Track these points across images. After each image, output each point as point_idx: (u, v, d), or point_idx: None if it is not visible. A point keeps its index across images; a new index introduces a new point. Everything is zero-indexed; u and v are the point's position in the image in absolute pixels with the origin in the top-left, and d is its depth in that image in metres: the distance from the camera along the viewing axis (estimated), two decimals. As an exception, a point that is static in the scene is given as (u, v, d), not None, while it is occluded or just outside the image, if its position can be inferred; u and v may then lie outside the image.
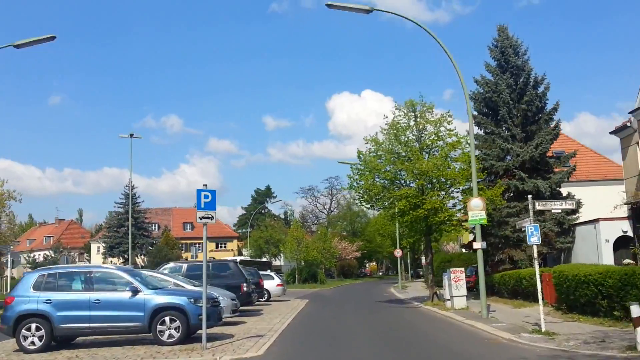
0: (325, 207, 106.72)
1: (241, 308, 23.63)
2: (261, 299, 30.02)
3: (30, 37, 20.08)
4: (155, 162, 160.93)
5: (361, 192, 28.66)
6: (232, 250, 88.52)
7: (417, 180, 26.83)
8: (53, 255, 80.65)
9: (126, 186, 77.26)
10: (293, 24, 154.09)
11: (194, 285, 17.93)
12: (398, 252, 50.82)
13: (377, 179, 28.04)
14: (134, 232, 76.72)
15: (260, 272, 31.74)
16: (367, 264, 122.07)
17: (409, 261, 72.12)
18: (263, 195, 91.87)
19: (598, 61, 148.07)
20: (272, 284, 31.90)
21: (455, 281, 24.28)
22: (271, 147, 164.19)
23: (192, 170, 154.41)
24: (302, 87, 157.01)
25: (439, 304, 27.04)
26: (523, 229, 17.34)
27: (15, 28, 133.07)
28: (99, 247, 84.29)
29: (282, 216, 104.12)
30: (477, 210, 20.36)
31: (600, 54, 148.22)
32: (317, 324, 20.14)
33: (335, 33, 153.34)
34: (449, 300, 24.88)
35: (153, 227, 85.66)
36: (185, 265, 21.12)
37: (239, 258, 38.40)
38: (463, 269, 25.16)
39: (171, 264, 23.22)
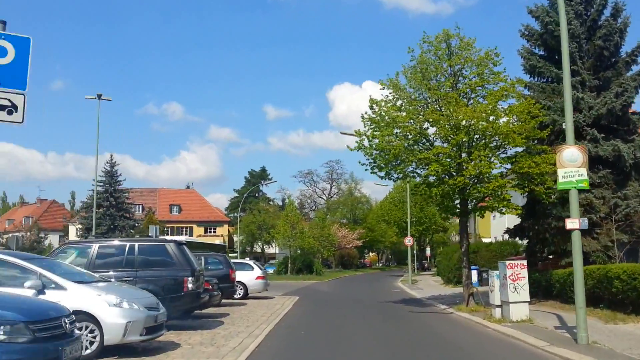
0: (325, 192, 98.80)
1: (196, 312, 15.71)
2: (234, 297, 22.06)
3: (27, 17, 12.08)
4: (155, 148, 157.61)
5: (374, 154, 20.56)
6: (222, 235, 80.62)
7: (453, 138, 18.69)
8: (23, 235, 72.69)
9: (106, 162, 69.27)
10: (295, 13, 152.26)
11: (96, 280, 10.05)
12: (409, 240, 42.93)
13: (396, 136, 19.94)
14: (113, 214, 69.10)
15: (235, 261, 23.87)
16: (367, 254, 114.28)
17: (415, 252, 64.08)
18: (257, 177, 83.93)
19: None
20: (249, 277, 23.90)
21: (514, 280, 16.26)
22: (271, 136, 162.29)
23: (193, 157, 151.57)
24: (303, 77, 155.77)
25: (477, 309, 19.20)
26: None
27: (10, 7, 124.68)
28: (77, 229, 76.32)
29: (280, 203, 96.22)
30: (572, 166, 12.24)
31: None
32: (304, 349, 12.11)
33: (337, 23, 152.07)
34: (497, 306, 16.95)
35: (137, 208, 77.61)
36: (95, 247, 12.91)
37: (184, 238, 30.21)
38: (525, 262, 17.05)
39: (73, 245, 15.12)
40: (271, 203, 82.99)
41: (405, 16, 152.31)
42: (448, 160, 18.92)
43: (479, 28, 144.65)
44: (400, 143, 19.49)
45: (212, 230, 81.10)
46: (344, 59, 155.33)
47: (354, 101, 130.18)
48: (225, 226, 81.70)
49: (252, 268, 24.31)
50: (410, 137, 19.76)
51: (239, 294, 23.42)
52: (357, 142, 21.07)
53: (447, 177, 19.29)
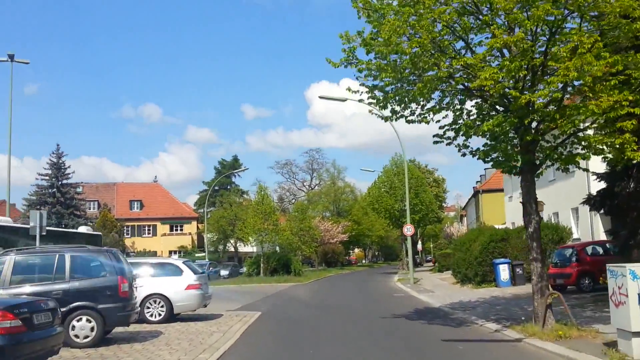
0: (305, 184, 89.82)
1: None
2: (151, 320, 13.00)
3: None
4: (133, 151, 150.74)
5: (374, 65, 11.67)
6: (190, 233, 71.20)
7: (528, 20, 9.85)
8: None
9: (52, 153, 59.64)
10: (270, 12, 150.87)
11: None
12: (408, 229, 34.19)
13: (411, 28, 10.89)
14: (60, 211, 59.34)
15: (150, 260, 14.91)
16: (352, 251, 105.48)
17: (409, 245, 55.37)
18: (229, 168, 74.76)
19: None
20: (175, 287, 14.70)
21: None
22: (250, 135, 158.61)
23: (172, 158, 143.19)
24: (280, 76, 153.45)
25: (568, 333, 10.62)
26: None
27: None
28: (22, 231, 66.42)
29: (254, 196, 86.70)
30: None
31: None
32: None
33: (313, 21, 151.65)
34: (635, 335, 8.23)
35: (91, 205, 68.05)
36: None
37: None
38: None
39: None
40: (245, 196, 73.84)
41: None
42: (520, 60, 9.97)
43: None
44: (422, 39, 10.45)
45: (178, 227, 71.74)
46: (320, 58, 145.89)
47: (331, 168, 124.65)
48: (194, 223, 72.26)
49: (181, 272, 15.09)
50: (439, 25, 10.80)
51: (158, 315, 14.34)
52: (345, 50, 12.16)
53: (508, 100, 10.51)
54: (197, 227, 72.62)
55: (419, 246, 79.23)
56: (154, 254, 67.83)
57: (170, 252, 68.90)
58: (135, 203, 71.37)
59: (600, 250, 20.27)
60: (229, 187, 75.31)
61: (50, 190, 59.14)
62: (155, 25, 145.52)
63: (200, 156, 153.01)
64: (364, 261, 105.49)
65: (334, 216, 74.37)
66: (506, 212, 37.75)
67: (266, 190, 41.66)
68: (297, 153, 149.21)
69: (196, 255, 63.60)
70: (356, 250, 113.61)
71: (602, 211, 18.20)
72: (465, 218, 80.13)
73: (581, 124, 10.95)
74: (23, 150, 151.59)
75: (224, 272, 55.81)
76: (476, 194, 53.14)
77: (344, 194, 78.40)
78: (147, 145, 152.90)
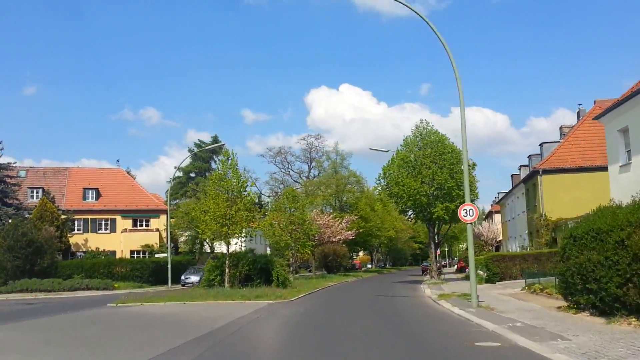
0: (302, 175, 75.66)
1: None
2: None
3: None
4: (133, 154, 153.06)
5: None
6: (158, 229, 56.82)
7: None
8: None
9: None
10: (269, 18, 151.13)
11: None
12: (468, 213, 19.93)
13: None
14: (-15, 198, 45.57)
15: None
16: (355, 254, 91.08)
17: (434, 248, 41.00)
18: (208, 152, 60.75)
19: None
20: None
21: None
22: (250, 140, 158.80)
23: (172, 162, 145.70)
24: (280, 81, 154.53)
25: None
26: None
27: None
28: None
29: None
30: None
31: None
32: None
33: (312, 27, 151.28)
34: None
35: (34, 193, 54.04)
36: None
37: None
38: None
39: None
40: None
41: (378, 19, 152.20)
42: None
43: (451, 31, 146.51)
44: None
45: (143, 222, 57.44)
46: (319, 63, 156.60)
47: (331, 104, 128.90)
48: (163, 217, 57.86)
49: None
50: None
51: None
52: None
53: None
54: (169, 222, 58.29)
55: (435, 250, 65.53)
56: (111, 254, 53.90)
57: (132, 253, 54.79)
58: (90, 192, 57.04)
59: None
60: (207, 173, 61.00)
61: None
62: (155, 32, 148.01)
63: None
64: (369, 266, 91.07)
65: (336, 211, 60.11)
66: (614, 188, 23.45)
67: (234, 157, 27.43)
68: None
69: (155, 255, 49.52)
70: (361, 253, 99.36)
71: None
72: (495, 216, 65.81)
73: None
74: (22, 153, 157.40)
75: (193, 279, 41.93)
76: (532, 175, 38.81)
77: (349, 184, 64.09)
78: (147, 148, 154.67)
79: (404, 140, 37.91)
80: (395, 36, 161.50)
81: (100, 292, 38.18)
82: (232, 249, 31.31)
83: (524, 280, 29.50)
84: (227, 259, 27.31)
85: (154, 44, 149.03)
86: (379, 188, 37.86)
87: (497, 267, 30.78)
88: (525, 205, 41.94)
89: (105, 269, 44.96)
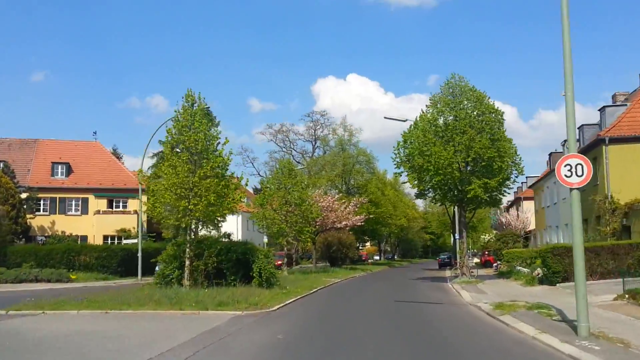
0: (306, 156, 67.33)
1: None
2: None
3: None
4: (140, 141, 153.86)
5: None
6: (136, 211, 48.75)
7: None
8: None
9: None
10: (276, 6, 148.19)
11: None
12: (577, 171, 11.73)
13: None
14: None
15: None
16: (362, 244, 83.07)
17: (463, 237, 32.79)
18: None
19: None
20: None
21: None
22: (256, 129, 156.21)
23: None
24: (287, 70, 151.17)
25: None
26: None
27: None
28: None
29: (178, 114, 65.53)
30: None
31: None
32: None
33: (319, 16, 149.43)
34: None
35: (-8, 166, 46.12)
36: None
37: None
38: None
39: None
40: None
41: (387, 8, 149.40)
42: None
43: (461, 21, 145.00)
44: None
45: (120, 203, 49.46)
46: (327, 53, 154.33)
47: (338, 94, 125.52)
48: (144, 198, 49.88)
49: None
50: None
51: None
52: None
53: None
54: (151, 204, 50.24)
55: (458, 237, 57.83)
56: (82, 239, 46.05)
57: (105, 238, 46.88)
58: (60, 167, 49.02)
59: None
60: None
61: None
62: (163, 20, 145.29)
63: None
64: (376, 257, 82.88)
65: (343, 194, 51.88)
66: None
67: (202, 102, 19.17)
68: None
69: (124, 241, 41.64)
70: (367, 244, 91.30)
71: None
72: (524, 203, 57.30)
73: None
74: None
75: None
76: (593, 146, 30.35)
77: (357, 163, 55.72)
78: (155, 136, 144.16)
79: (430, 99, 29.54)
80: (404, 26, 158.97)
81: (46, 285, 30.57)
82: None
83: (600, 282, 21.41)
84: (188, 246, 19.13)
85: (161, 32, 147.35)
86: (397, 159, 29.54)
87: (560, 263, 22.48)
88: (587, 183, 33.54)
89: (64, 257, 37.05)
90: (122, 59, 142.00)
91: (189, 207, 18.17)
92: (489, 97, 28.70)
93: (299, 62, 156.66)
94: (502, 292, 21.45)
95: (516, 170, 29.26)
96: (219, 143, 19.80)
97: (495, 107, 28.40)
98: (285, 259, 33.23)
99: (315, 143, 68.76)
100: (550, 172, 41.96)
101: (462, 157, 27.17)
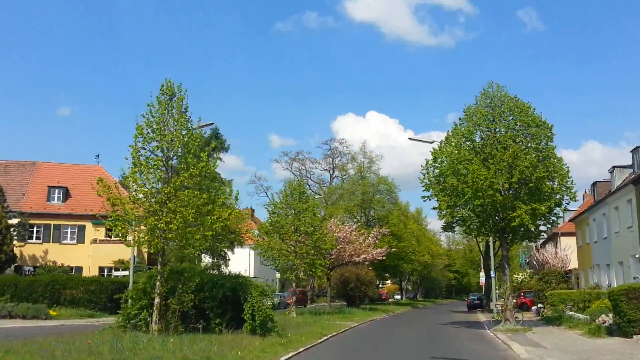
0: (323, 185, 62.81)
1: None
2: None
3: None
4: None
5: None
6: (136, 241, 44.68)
7: None
8: None
9: None
10: (298, 45, 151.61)
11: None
12: None
13: None
14: None
15: None
16: (382, 282, 77.60)
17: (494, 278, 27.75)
18: (205, 143, 49.06)
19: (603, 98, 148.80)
20: None
21: None
22: (276, 164, 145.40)
23: None
24: (308, 107, 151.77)
25: None
26: None
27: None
28: None
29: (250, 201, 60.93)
30: None
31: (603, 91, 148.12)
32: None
33: (340, 55, 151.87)
34: None
35: (-17, 191, 42.46)
36: None
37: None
38: None
39: None
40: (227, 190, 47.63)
41: (405, 48, 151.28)
42: None
43: (480, 61, 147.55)
44: None
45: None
46: (347, 90, 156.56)
47: (357, 131, 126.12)
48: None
49: None
50: None
51: None
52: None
53: None
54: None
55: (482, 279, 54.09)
56: (76, 271, 41.88)
57: (102, 270, 42.64)
58: (56, 191, 45.27)
59: None
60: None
61: None
62: (185, 55, 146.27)
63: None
64: (397, 297, 77.23)
65: (362, 226, 47.14)
66: None
67: (182, 94, 14.98)
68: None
69: (114, 274, 37.38)
70: (389, 282, 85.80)
71: None
72: (562, 239, 51.80)
73: None
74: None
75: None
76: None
77: (377, 192, 51.05)
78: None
79: (464, 110, 25.07)
80: (422, 65, 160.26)
81: (17, 323, 26.32)
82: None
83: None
84: (158, 278, 14.65)
85: (182, 64, 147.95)
86: (426, 180, 24.98)
87: (637, 309, 17.54)
88: (639, 216, 28.46)
89: (48, 290, 32.80)
90: (144, 91, 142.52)
91: (159, 225, 13.78)
92: (534, 108, 24.19)
93: (319, 99, 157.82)
94: (565, 347, 16.54)
95: (568, 195, 24.41)
96: (206, 149, 15.52)
97: (543, 120, 23.83)
98: (294, 297, 28.50)
99: (333, 172, 64.36)
100: (598, 203, 36.92)
101: (505, 178, 22.51)
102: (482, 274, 62.80)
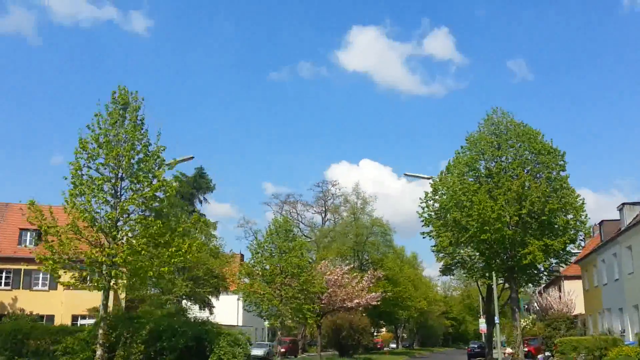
0: (315, 228, 60.10)
1: None
2: None
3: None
4: None
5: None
6: (112, 286, 41.34)
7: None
8: None
9: None
10: (292, 94, 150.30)
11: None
12: None
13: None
14: None
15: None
16: (377, 330, 73.59)
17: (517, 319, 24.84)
18: (189, 183, 46.19)
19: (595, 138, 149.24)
20: None
21: None
22: (270, 212, 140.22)
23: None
24: (301, 156, 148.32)
25: None
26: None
27: None
28: None
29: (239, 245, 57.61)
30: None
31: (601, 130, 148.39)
32: None
33: (333, 104, 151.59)
34: None
35: (-50, 233, 39.51)
36: None
37: None
38: None
39: None
40: (212, 232, 44.80)
41: (397, 97, 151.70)
42: None
43: (471, 109, 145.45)
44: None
45: (96, 276, 42.33)
46: (341, 138, 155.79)
47: (351, 179, 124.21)
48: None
49: None
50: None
51: None
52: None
53: None
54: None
55: (483, 326, 49.92)
56: (47, 320, 38.42)
57: (75, 318, 39.15)
58: (28, 234, 42.13)
59: None
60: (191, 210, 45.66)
61: None
62: (179, 102, 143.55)
63: (219, 230, 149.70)
64: (392, 345, 73.28)
65: (355, 269, 44.13)
66: None
67: (138, 101, 12.50)
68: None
69: (80, 322, 34.06)
70: (383, 330, 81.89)
71: None
72: (566, 283, 48.92)
73: None
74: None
75: None
76: None
77: (371, 234, 48.26)
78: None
79: (467, 138, 22.75)
80: (415, 113, 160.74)
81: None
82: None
83: None
84: (101, 326, 11.83)
85: (177, 114, 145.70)
86: (425, 214, 22.43)
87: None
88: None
89: (9, 341, 29.25)
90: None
91: (101, 258, 11.08)
92: (543, 135, 21.90)
93: (312, 147, 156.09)
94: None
95: (582, 230, 21.92)
96: (164, 163, 12.92)
97: (553, 147, 21.50)
98: (279, 347, 25.38)
99: (325, 215, 61.80)
100: (607, 243, 34.29)
101: (514, 210, 20.01)
102: (482, 320, 59.50)
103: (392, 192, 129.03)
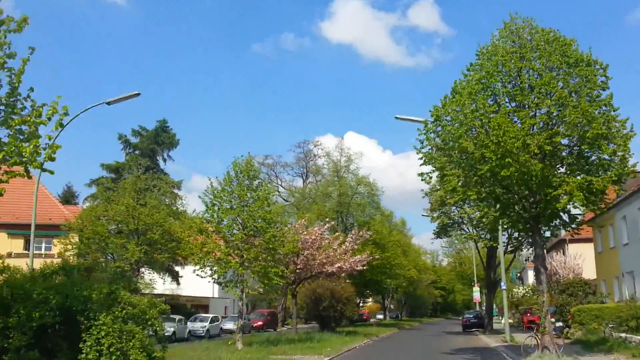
0: (296, 193, 54.96)
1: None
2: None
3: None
4: None
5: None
6: (61, 254, 35.71)
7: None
8: None
9: None
10: (276, 66, 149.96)
11: None
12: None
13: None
14: None
15: None
16: (362, 301, 69.00)
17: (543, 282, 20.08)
18: (150, 138, 40.54)
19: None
20: None
21: None
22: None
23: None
24: (286, 128, 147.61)
25: None
26: None
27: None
28: None
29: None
30: None
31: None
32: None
33: (318, 76, 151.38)
34: None
35: None
36: None
37: None
38: None
39: None
40: (177, 192, 39.47)
41: (383, 69, 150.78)
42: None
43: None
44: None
45: (43, 244, 36.92)
46: (326, 112, 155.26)
47: (336, 153, 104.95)
48: (75, 237, 36.97)
49: None
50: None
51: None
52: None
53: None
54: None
55: (504, 285, 46.91)
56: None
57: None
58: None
59: None
60: (150, 172, 40.06)
61: None
62: (161, 76, 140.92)
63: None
64: (379, 317, 69.00)
65: (337, 231, 39.11)
66: None
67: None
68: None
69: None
70: (370, 300, 77.62)
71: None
72: (571, 246, 44.34)
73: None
74: None
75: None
76: None
77: (357, 194, 43.14)
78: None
79: (479, 51, 17.45)
80: (400, 85, 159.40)
81: None
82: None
83: None
84: None
85: (156, 86, 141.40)
86: (424, 143, 17.36)
87: None
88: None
89: None
90: (117, 115, 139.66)
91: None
92: (579, 45, 16.68)
93: (297, 121, 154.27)
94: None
95: (624, 170, 16.82)
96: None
97: (594, 58, 16.32)
98: (240, 321, 20.32)
99: (307, 178, 56.78)
100: (631, 195, 29.51)
101: (545, 136, 14.90)
102: (475, 288, 55.02)
103: (378, 166, 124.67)
